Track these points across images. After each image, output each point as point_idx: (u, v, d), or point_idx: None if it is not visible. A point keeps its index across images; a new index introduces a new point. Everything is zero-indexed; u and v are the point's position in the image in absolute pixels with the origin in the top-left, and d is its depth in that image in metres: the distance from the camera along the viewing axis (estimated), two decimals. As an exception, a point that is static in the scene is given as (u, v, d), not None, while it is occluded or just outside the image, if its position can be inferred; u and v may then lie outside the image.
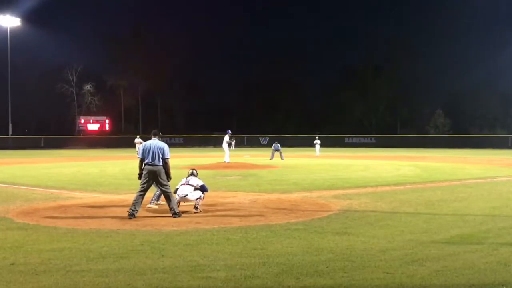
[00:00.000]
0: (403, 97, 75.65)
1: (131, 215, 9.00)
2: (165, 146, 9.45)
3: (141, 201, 9.30)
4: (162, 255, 6.26)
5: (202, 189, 10.00)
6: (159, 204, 10.37)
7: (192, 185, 9.96)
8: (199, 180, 10.20)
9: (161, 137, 9.93)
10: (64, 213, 9.77)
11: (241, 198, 12.03)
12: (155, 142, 9.45)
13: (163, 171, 9.27)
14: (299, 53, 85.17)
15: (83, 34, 79.87)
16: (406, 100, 75.19)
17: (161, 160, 9.28)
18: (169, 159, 9.42)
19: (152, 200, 10.51)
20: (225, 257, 6.20)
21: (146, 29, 74.88)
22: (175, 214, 9.10)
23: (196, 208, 9.71)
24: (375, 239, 7.21)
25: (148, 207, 10.29)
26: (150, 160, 9.25)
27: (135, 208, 9.10)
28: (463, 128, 66.22)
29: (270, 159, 30.76)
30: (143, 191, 9.29)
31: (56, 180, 17.16)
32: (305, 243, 6.98)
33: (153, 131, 9.84)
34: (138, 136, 40.94)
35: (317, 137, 38.63)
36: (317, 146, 37.65)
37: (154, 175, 9.26)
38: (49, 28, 66.86)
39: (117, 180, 16.97)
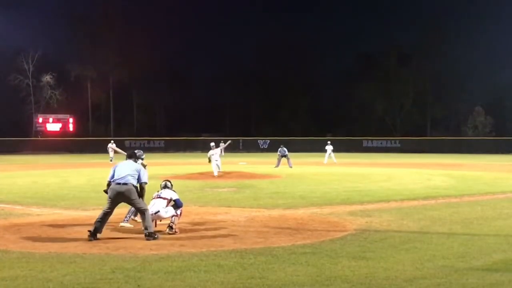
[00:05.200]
0: (434, 91, 75.79)
1: (92, 236, 9.08)
2: (141, 168, 9.72)
3: (107, 220, 9.40)
4: (138, 286, 6.26)
5: (176, 204, 10.04)
6: (136, 220, 10.39)
7: (165, 198, 10.01)
8: (173, 192, 10.26)
9: (139, 160, 10.25)
10: (17, 234, 9.75)
11: (236, 215, 12.04)
12: (129, 163, 9.70)
13: (134, 190, 9.37)
14: (306, 38, 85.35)
15: (42, 14, 80.00)
16: (438, 94, 75.34)
17: (135, 181, 9.42)
18: (146, 184, 9.58)
19: (126, 217, 10.52)
20: (216, 287, 6.19)
21: (119, 7, 74.88)
22: (149, 235, 9.13)
23: (171, 227, 9.73)
24: (400, 266, 7.23)
25: (122, 226, 10.29)
26: (120, 179, 9.35)
27: (97, 227, 9.18)
28: (508, 129, 66.35)
29: (276, 167, 30.81)
30: (109, 210, 9.40)
31: (8, 193, 17.12)
32: (314, 270, 6.99)
33: (128, 153, 10.19)
34: (112, 141, 41.17)
35: (328, 142, 38.82)
36: (329, 152, 37.82)
37: (122, 197, 9.38)
38: (0, 7, 66.92)
39: (83, 193, 16.95)
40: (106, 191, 9.65)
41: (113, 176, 9.48)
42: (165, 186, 10.44)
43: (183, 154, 57.58)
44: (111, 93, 76.29)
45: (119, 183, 9.35)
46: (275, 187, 19.11)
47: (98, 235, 9.14)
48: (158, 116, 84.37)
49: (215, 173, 23.54)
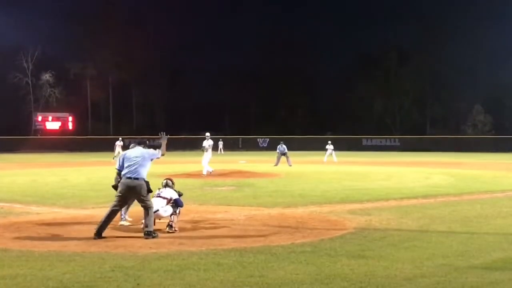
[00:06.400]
0: (433, 90, 75.85)
1: (98, 234, 9.04)
2: (153, 151, 9.65)
3: (113, 218, 9.35)
4: (138, 284, 6.26)
5: (176, 203, 10.02)
6: (122, 225, 10.37)
7: (165, 198, 9.96)
8: (174, 192, 10.20)
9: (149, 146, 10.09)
10: (17, 232, 9.74)
11: (235, 213, 12.04)
12: (138, 150, 9.55)
13: (144, 186, 9.26)
14: (306, 37, 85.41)
15: (41, 12, 79.92)
16: (438, 93, 75.45)
17: (145, 171, 9.35)
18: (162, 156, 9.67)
19: (123, 215, 10.52)
20: (216, 286, 6.20)
21: (119, 6, 74.84)
22: (149, 234, 9.07)
23: (170, 226, 9.72)
24: (399, 264, 7.23)
25: (121, 225, 10.29)
26: (130, 172, 9.26)
27: (103, 225, 9.12)
28: (508, 128, 66.43)
29: (275, 166, 30.78)
30: (117, 207, 9.32)
31: (7, 192, 17.11)
32: (313, 269, 6.99)
33: (137, 140, 10.08)
34: (120, 139, 41.22)
35: (329, 142, 38.95)
36: (329, 152, 37.95)
37: (133, 192, 9.27)
38: (-1, 5, 66.86)
39: (82, 192, 16.95)
40: (114, 187, 9.58)
41: (122, 166, 9.36)
42: (166, 185, 10.38)
43: (182, 152, 57.61)
44: (111, 92, 76.31)
45: (130, 178, 9.20)
46: (274, 185, 19.10)
47: (103, 233, 9.08)
48: (158, 115, 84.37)
49: (204, 172, 23.30)
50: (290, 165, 30.70)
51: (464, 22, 74.56)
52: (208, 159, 23.74)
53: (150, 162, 9.53)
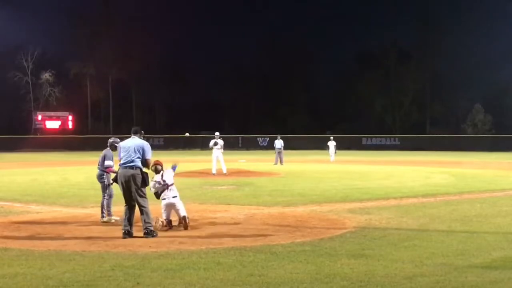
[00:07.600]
0: (433, 89, 75.81)
1: (127, 234, 8.98)
2: (145, 144, 9.40)
3: (133, 213, 9.22)
4: (138, 283, 6.27)
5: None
6: (116, 220, 10.38)
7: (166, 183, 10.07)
8: (157, 176, 10.09)
9: (144, 137, 9.83)
10: (17, 231, 9.76)
11: (235, 212, 12.05)
12: (133, 141, 9.40)
13: (140, 176, 9.12)
14: (306, 35, 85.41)
15: (41, 11, 79.94)
16: (438, 92, 75.39)
17: (139, 161, 9.20)
18: (150, 160, 9.39)
19: (104, 211, 10.57)
20: (216, 285, 6.21)
21: (119, 5, 74.86)
22: (149, 233, 9.04)
23: (169, 222, 9.76)
24: (399, 263, 7.24)
25: (102, 222, 10.38)
26: (125, 161, 9.16)
27: (126, 224, 9.07)
28: (508, 127, 66.37)
29: (275, 164, 30.73)
30: (126, 202, 9.24)
31: (7, 191, 17.12)
32: (313, 268, 7.00)
33: (133, 129, 9.70)
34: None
35: (331, 138, 38.89)
36: (332, 149, 37.85)
37: (128, 181, 9.08)
38: (-1, 4, 66.83)
39: (82, 191, 16.96)
40: (114, 179, 9.50)
41: (119, 156, 9.28)
42: (155, 171, 10.15)
43: (182, 151, 57.62)
44: (111, 91, 76.29)
45: (125, 167, 9.12)
46: (274, 184, 19.11)
47: (132, 231, 9.08)
48: (158, 114, 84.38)
49: (224, 170, 23.15)
50: (282, 164, 30.54)
51: (464, 22, 74.57)
52: (222, 158, 23.51)
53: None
